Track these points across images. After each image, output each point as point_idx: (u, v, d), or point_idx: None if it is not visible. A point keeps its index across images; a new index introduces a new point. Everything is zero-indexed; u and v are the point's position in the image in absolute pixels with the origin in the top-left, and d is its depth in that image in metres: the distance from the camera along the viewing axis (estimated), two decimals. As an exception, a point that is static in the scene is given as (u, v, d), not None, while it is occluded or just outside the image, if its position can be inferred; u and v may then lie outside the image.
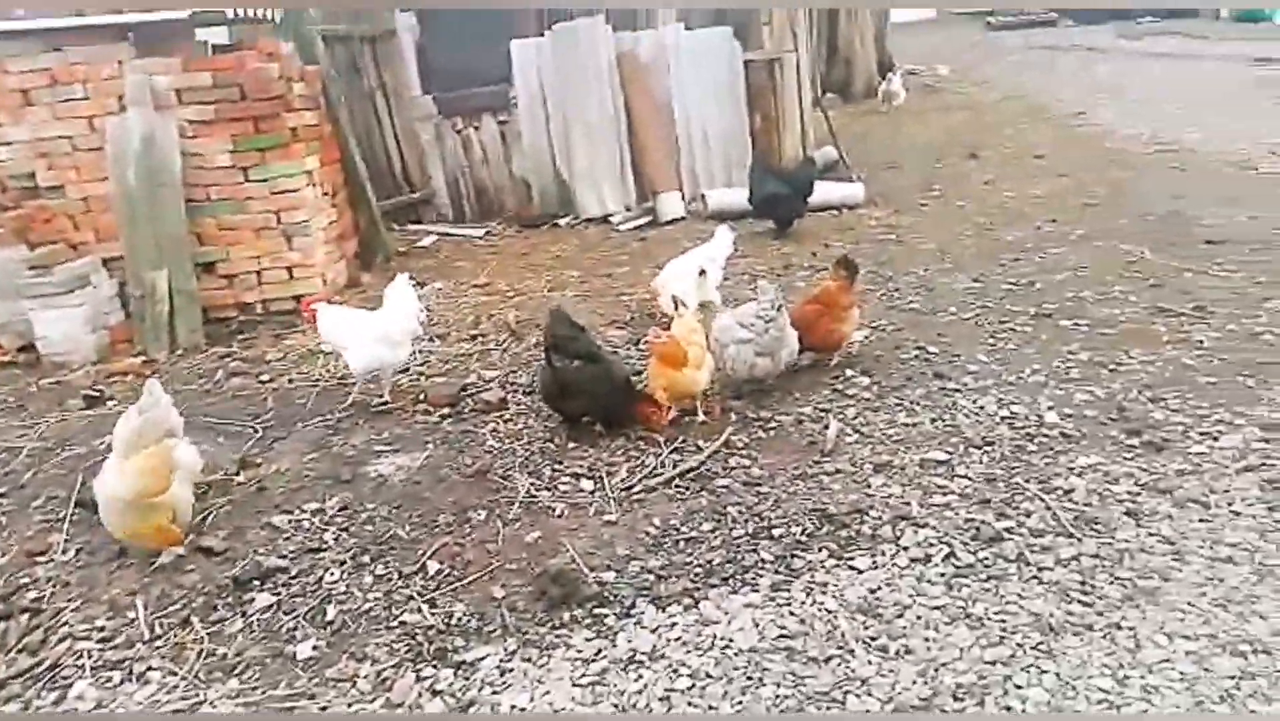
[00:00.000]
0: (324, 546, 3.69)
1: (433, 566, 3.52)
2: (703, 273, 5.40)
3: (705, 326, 4.79)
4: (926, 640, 2.91)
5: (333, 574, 3.51)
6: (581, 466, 4.16)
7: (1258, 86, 12.35)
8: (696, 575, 3.37)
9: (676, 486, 3.98)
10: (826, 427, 4.38)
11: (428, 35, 8.44)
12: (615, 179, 8.40)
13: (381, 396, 4.94)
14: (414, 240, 8.15)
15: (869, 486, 3.87)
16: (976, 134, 11.16)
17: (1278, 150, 8.83)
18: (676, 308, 4.68)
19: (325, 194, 6.73)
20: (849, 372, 4.98)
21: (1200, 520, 3.45)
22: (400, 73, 8.36)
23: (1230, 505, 3.53)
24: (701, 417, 4.53)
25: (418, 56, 8.45)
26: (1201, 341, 5.01)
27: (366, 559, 3.59)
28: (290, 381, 5.39)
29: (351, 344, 4.57)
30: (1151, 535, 3.39)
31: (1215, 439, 4.04)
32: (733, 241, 6.04)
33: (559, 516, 3.81)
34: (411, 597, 3.33)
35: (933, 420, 4.41)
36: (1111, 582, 3.14)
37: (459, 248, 7.94)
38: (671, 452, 4.24)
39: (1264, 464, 3.78)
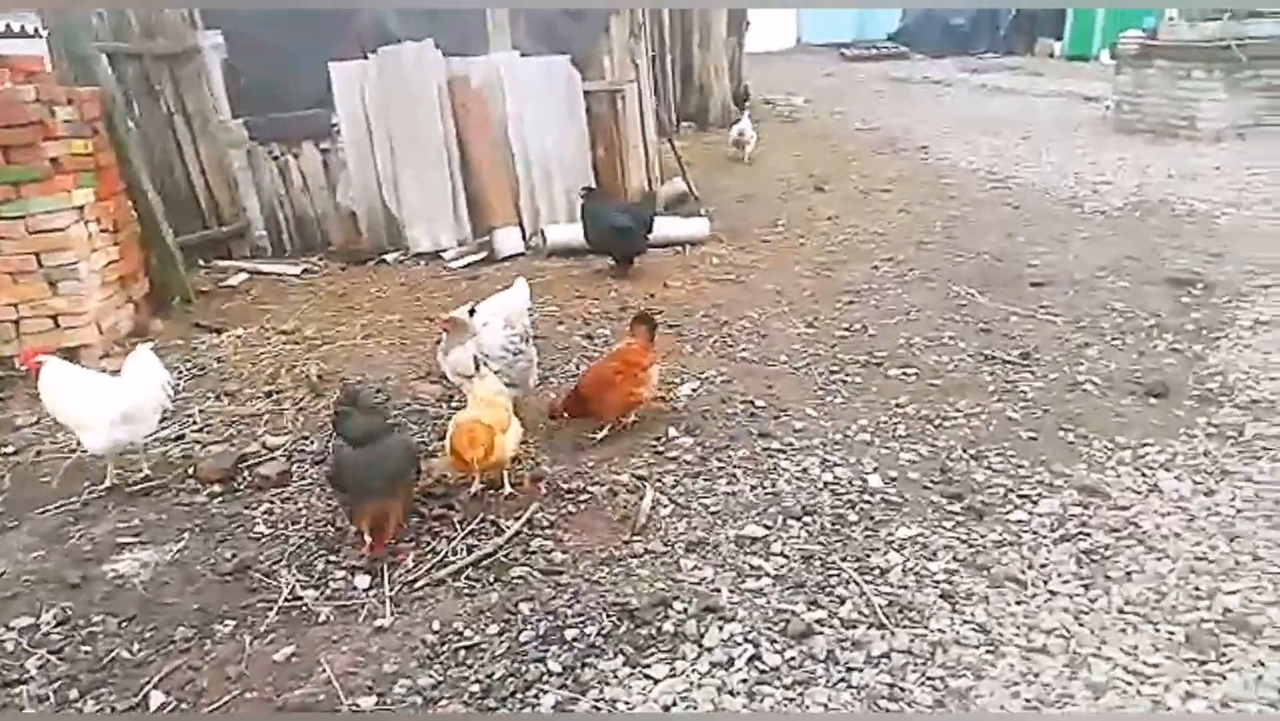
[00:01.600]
0: (24, 677, 3.05)
1: (157, 698, 2.95)
2: (472, 311, 5.01)
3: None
4: (715, 775, 2.56)
5: (27, 715, 2.89)
6: (360, 558, 3.65)
7: (1084, 125, 12.92)
8: (472, 694, 2.93)
9: (467, 578, 3.53)
10: (642, 499, 4.03)
11: (237, 55, 7.74)
12: (448, 212, 7.90)
13: (141, 470, 4.30)
14: (221, 279, 7.42)
15: (678, 570, 3.52)
16: (827, 166, 11.20)
17: (1100, 189, 9.12)
18: (478, 366, 4.23)
19: (105, 231, 5.97)
20: (672, 432, 4.65)
21: (1017, 602, 3.25)
22: (206, 95, 7.62)
23: (1047, 582, 3.35)
24: (508, 490, 4.10)
25: (226, 78, 7.73)
26: (1025, 392, 4.93)
27: (75, 692, 2.99)
28: (39, 454, 4.65)
29: (83, 423, 3.91)
30: (966, 622, 3.16)
31: (1034, 503, 3.89)
32: (527, 296, 5.67)
33: (322, 623, 3.29)
34: (121, 745, 2.76)
35: (754, 487, 4.12)
36: (922, 684, 2.88)
37: (271, 287, 7.26)
38: (467, 536, 3.79)
39: (1080, 532, 3.65)
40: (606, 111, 8.49)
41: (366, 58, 7.79)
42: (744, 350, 5.67)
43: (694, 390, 5.12)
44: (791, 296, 6.63)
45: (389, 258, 7.78)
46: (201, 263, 7.63)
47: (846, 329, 5.93)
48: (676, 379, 5.26)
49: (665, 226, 8.23)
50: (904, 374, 5.23)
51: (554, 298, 6.79)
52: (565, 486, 4.15)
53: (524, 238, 8.20)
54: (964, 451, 4.36)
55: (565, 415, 4.51)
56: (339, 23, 7.90)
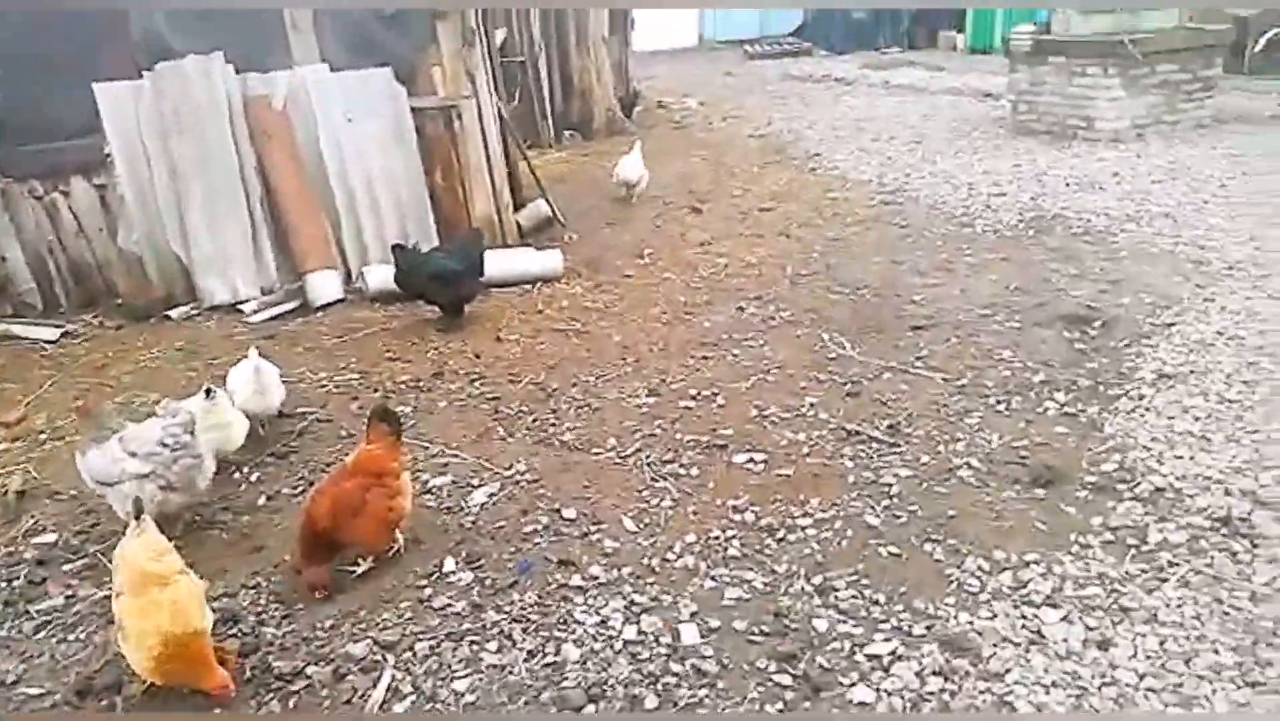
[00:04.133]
0: None
1: None
2: (209, 392, 4.00)
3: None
4: None
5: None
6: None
7: (981, 125, 12.28)
8: None
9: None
10: (375, 685, 3.01)
11: (-21, 76, 6.45)
12: (247, 256, 6.74)
13: None
14: (-40, 348, 6.14)
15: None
16: (711, 179, 10.30)
17: (993, 202, 8.38)
18: (137, 515, 3.12)
19: None
20: (449, 564, 3.65)
21: None
22: (-64, 126, 6.33)
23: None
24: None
25: (-33, 104, 6.45)
26: (890, 485, 4.05)
27: None
28: None
29: None
30: None
31: (886, 670, 2.98)
32: (265, 366, 4.64)
33: None
34: None
35: (532, 654, 3.14)
36: None
37: (19, 357, 6.02)
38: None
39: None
40: (441, 132, 7.41)
41: (141, 75, 6.57)
42: (568, 431, 4.68)
43: (491, 496, 4.11)
44: (640, 351, 5.67)
45: (174, 312, 6.58)
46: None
47: (694, 396, 4.99)
48: (475, 479, 4.25)
49: (512, 261, 7.22)
50: (750, 461, 4.31)
51: (356, 360, 5.71)
52: (277, 670, 3.10)
53: (349, 281, 7.08)
54: (807, 581, 3.46)
55: (316, 582, 3.45)
56: (106, 36, 6.67)
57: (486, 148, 7.67)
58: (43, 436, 4.89)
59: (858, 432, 4.49)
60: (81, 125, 6.60)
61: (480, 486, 4.18)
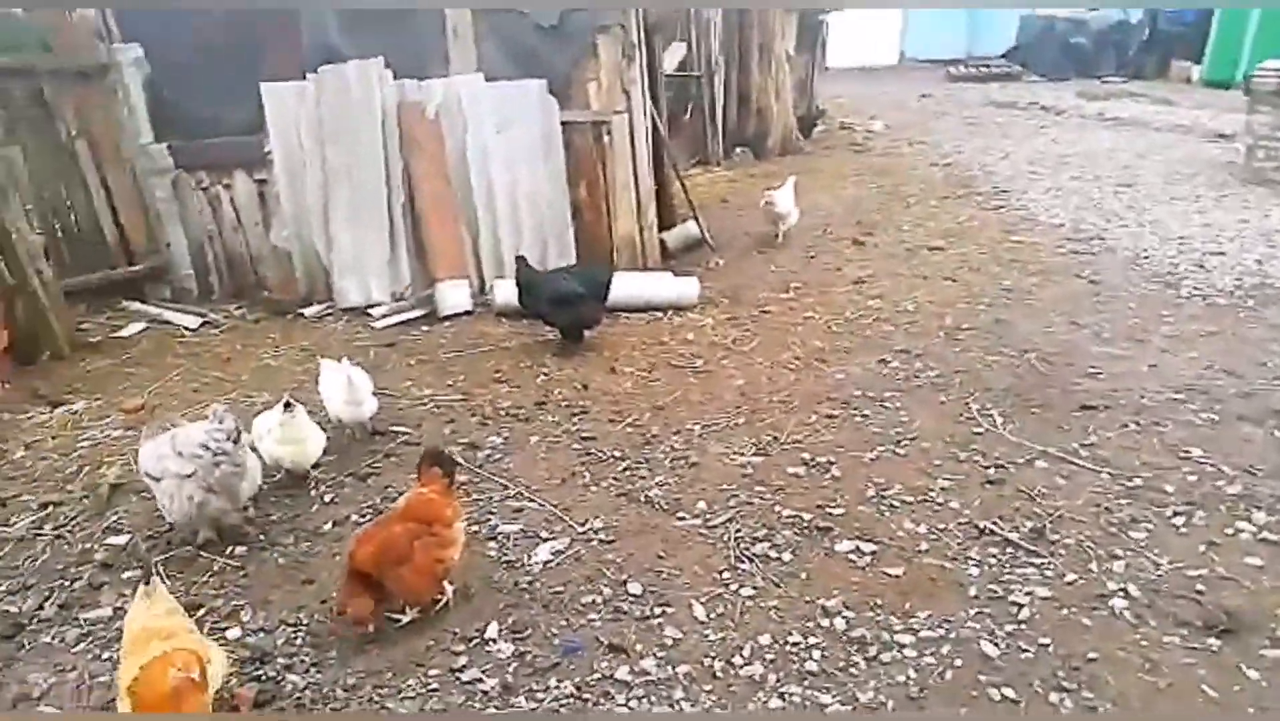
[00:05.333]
0: None
1: None
2: (288, 405, 3.86)
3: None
4: None
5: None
6: None
7: (1208, 170, 10.81)
8: None
9: None
10: (374, 765, 2.70)
11: (160, 72, 6.79)
12: (382, 260, 6.73)
13: None
14: (116, 328, 6.46)
15: None
16: (881, 209, 9.57)
17: (1208, 262, 7.23)
18: (147, 578, 2.93)
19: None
20: (491, 630, 3.30)
21: None
22: (118, 117, 6.70)
23: None
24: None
25: (148, 98, 6.79)
26: (1019, 605, 3.36)
27: None
28: None
29: None
30: None
31: None
32: (358, 377, 4.48)
33: None
34: None
35: (556, 757, 2.73)
36: None
37: (163, 342, 6.25)
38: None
39: None
40: (590, 146, 7.17)
41: (305, 77, 6.70)
42: (657, 487, 4.25)
43: (556, 554, 3.74)
44: (758, 400, 5.16)
45: (309, 311, 6.66)
46: (107, 308, 6.71)
47: (806, 462, 4.43)
48: (545, 531, 3.90)
49: (645, 285, 6.87)
50: (855, 551, 3.72)
51: (464, 379, 5.52)
52: (278, 734, 2.85)
53: (483, 292, 6.97)
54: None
55: (361, 617, 3.20)
56: (277, 36, 6.85)
57: (635, 165, 7.35)
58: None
59: (992, 532, 3.80)
60: (248, 122, 6.81)
61: (548, 540, 3.82)
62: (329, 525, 3.99)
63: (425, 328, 6.47)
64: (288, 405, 4.00)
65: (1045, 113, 16.66)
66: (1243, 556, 3.60)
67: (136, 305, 6.84)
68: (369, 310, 6.62)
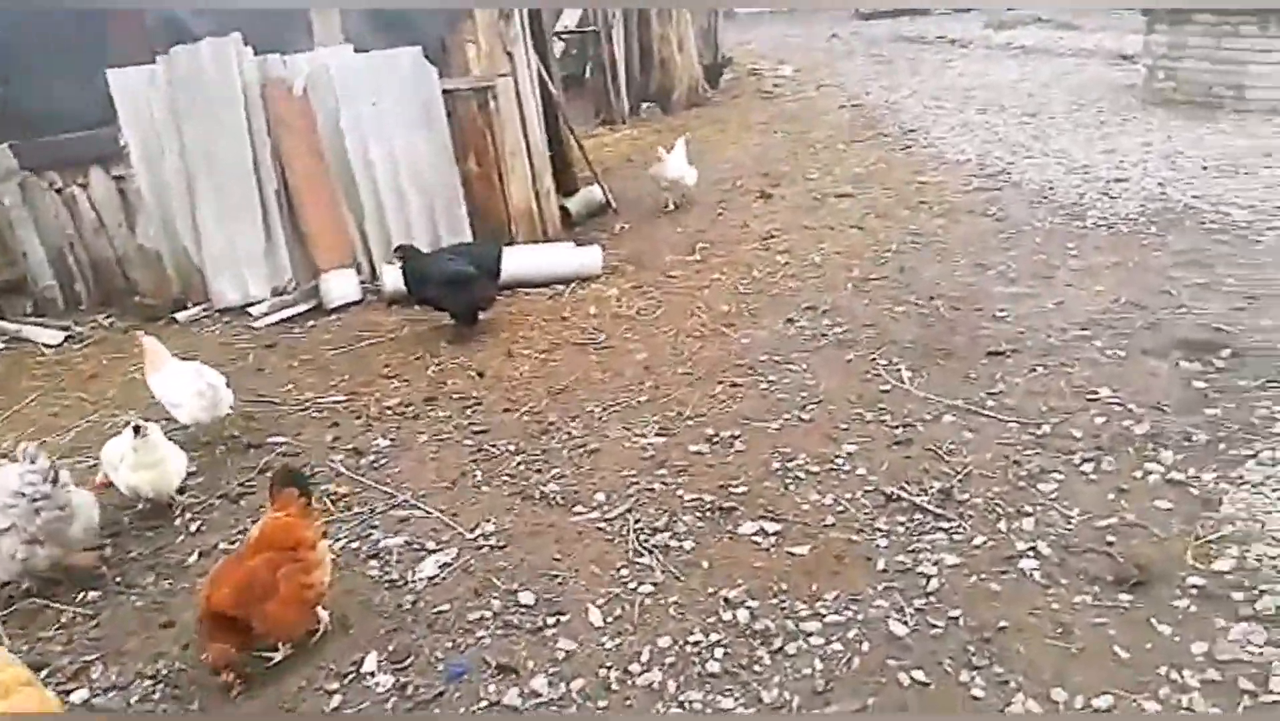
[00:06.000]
0: None
1: None
2: (136, 430, 3.52)
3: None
4: None
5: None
6: None
7: (1111, 94, 10.81)
8: None
9: None
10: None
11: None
12: (258, 253, 6.30)
13: None
14: (-34, 351, 5.94)
15: None
16: (789, 158, 9.36)
17: (1112, 189, 7.17)
18: None
19: None
20: (369, 664, 3.03)
21: None
22: (-52, 118, 6.11)
23: None
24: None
25: (-17, 95, 6.20)
26: (928, 574, 3.20)
27: None
28: None
29: None
30: None
31: None
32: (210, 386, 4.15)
33: None
34: None
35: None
36: None
37: (18, 363, 5.76)
38: None
39: None
40: (475, 114, 6.78)
41: (155, 60, 6.17)
42: (553, 481, 4.00)
43: (444, 567, 3.48)
44: (662, 374, 4.93)
45: (182, 315, 6.21)
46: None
47: (709, 438, 4.22)
48: (432, 541, 3.63)
49: (544, 258, 6.57)
50: (759, 533, 3.53)
51: (349, 377, 5.18)
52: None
53: (374, 278, 6.58)
54: (803, 711, 2.69)
55: (223, 663, 2.90)
56: (121, 18, 6.30)
57: (525, 130, 6.99)
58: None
59: (900, 498, 3.64)
60: (98, 114, 6.26)
61: (435, 552, 3.55)
62: (195, 557, 3.67)
63: (311, 323, 6.09)
64: (137, 428, 3.64)
65: (953, 45, 16.60)
66: (1151, 500, 3.49)
67: (-5, 323, 6.31)
68: (249, 309, 6.19)
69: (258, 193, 6.26)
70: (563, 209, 7.80)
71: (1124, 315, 5.04)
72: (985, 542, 3.35)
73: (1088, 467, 3.73)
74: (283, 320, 6.08)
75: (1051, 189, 7.39)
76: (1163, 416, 4.04)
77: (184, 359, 4.66)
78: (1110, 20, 16.75)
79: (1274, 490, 3.47)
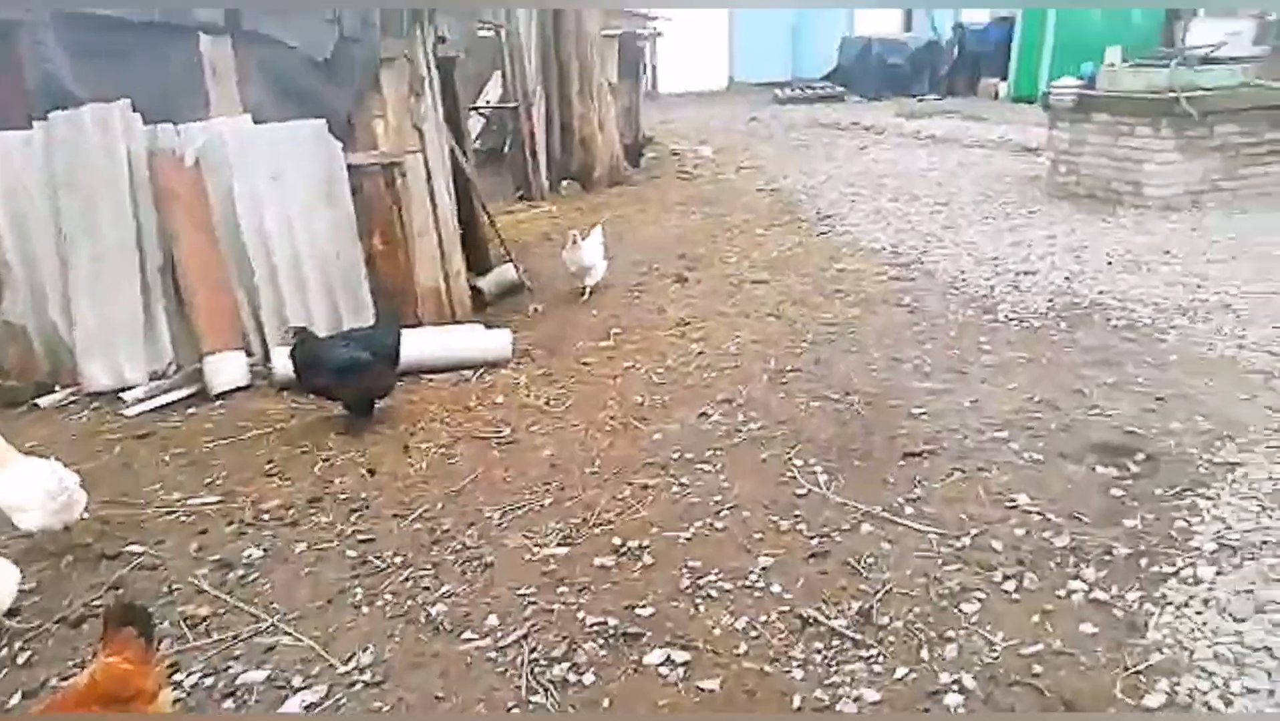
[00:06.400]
0: None
1: None
2: None
3: None
4: None
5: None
6: None
7: (1018, 184, 11.16)
8: None
9: None
10: None
11: None
12: (135, 333, 5.84)
13: None
14: None
15: None
16: (707, 241, 9.31)
17: (1022, 282, 7.26)
18: None
19: None
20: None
21: None
22: None
23: None
24: None
25: None
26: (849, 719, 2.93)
27: None
28: None
29: None
30: None
31: None
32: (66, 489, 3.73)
33: None
34: None
35: None
36: None
37: None
38: None
39: None
40: (381, 190, 6.50)
41: (32, 125, 5.75)
42: (441, 601, 3.63)
43: (307, 709, 3.06)
44: (569, 473, 4.63)
45: (44, 401, 5.68)
46: None
47: (616, 548, 3.92)
48: (299, 675, 3.22)
49: (450, 343, 6.27)
50: (668, 661, 3.23)
51: (227, 475, 4.74)
52: None
53: (264, 363, 6.14)
54: None
55: None
56: (2, 80, 5.87)
57: (435, 208, 6.74)
58: None
59: (816, 621, 3.39)
60: (-34, 180, 5.77)
61: (300, 690, 3.14)
62: (17, 697, 3.17)
63: (192, 410, 5.62)
64: None
65: (867, 132, 17.09)
66: (1076, 623, 3.32)
67: None
68: (122, 394, 5.69)
69: (139, 268, 5.82)
70: (475, 289, 7.53)
71: (1039, 415, 4.97)
72: (907, 674, 3.11)
73: (1010, 585, 3.56)
74: (160, 407, 5.59)
75: (964, 280, 7.45)
76: (1082, 527, 3.92)
77: (38, 454, 4.18)
78: (1015, 114, 17.49)
79: (1198, 612, 3.34)
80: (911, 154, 14.20)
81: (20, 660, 3.36)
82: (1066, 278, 7.31)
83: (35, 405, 5.63)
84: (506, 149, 11.80)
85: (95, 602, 3.68)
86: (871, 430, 4.92)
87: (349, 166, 6.35)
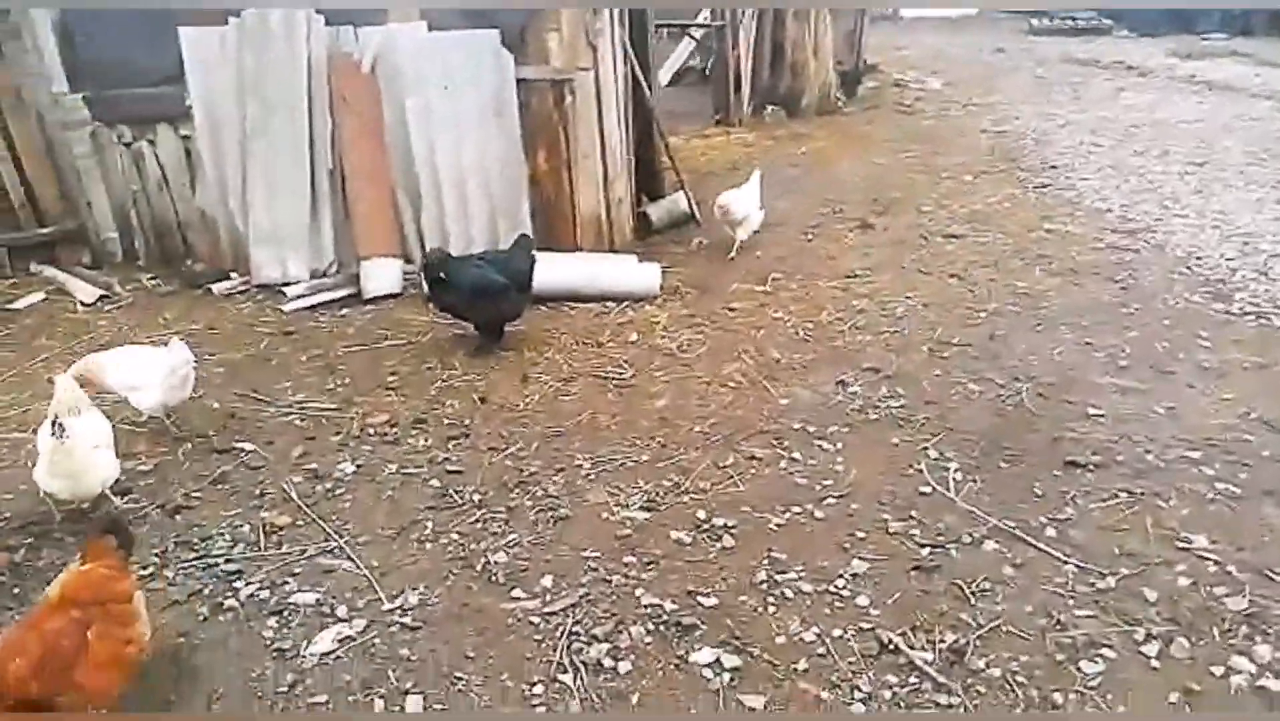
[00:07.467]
0: None
1: None
2: (57, 430, 3.19)
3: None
4: None
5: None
6: None
7: (1307, 148, 9.34)
8: None
9: None
10: None
11: (71, 14, 6.14)
12: (301, 232, 6.04)
13: None
14: (12, 298, 5.94)
15: None
16: (906, 185, 8.48)
17: (1273, 271, 6.02)
18: None
19: None
20: (217, 749, 2.61)
21: None
22: (23, 65, 6.09)
23: None
24: None
25: (60, 43, 6.15)
26: (896, 778, 2.50)
27: None
28: None
29: None
30: None
31: None
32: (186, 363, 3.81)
33: None
34: None
35: None
36: None
37: (51, 316, 5.70)
38: None
39: None
40: (550, 108, 6.30)
41: (228, 21, 5.98)
42: (505, 550, 3.48)
43: (341, 642, 3.03)
44: (677, 428, 4.34)
45: (217, 287, 6.03)
46: (10, 272, 6.21)
47: (698, 523, 3.60)
48: (346, 606, 3.18)
49: (596, 273, 6.06)
50: (716, 664, 2.91)
51: (349, 383, 4.82)
52: None
53: (419, 272, 6.20)
54: None
55: None
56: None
57: (603, 131, 6.47)
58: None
59: (897, 649, 2.94)
60: (171, 70, 6.13)
61: (341, 622, 3.10)
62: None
63: (343, 311, 5.78)
64: (57, 428, 3.33)
65: (1129, 72, 14.98)
66: (1227, 715, 2.67)
67: (49, 270, 6.30)
68: (285, 288, 5.94)
69: (309, 169, 5.98)
70: (644, 215, 7.28)
71: (1250, 437, 4.09)
72: (1008, 731, 2.63)
73: (1151, 649, 2.92)
74: (315, 306, 5.79)
75: (1199, 259, 6.30)
76: (1270, 590, 3.16)
77: (199, 335, 4.41)
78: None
79: (1403, 734, 2.58)
80: (1177, 101, 12.27)
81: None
82: (1336, 265, 6.01)
83: (209, 290, 5.98)
84: (709, 71, 11.27)
85: (196, 494, 3.83)
86: (1033, 427, 4.25)
87: (518, 81, 6.17)
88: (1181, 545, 3.41)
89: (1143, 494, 3.72)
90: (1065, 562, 3.33)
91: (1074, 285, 5.93)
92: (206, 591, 3.23)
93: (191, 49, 5.98)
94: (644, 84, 7.19)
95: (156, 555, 3.43)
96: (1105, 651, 2.92)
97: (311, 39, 5.95)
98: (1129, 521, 3.56)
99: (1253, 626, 3.00)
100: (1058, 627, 3.02)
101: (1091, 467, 3.90)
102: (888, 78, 14.20)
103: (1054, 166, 8.96)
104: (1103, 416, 4.31)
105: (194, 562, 3.38)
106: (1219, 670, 2.83)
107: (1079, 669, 2.85)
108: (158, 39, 6.05)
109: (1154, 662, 2.87)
